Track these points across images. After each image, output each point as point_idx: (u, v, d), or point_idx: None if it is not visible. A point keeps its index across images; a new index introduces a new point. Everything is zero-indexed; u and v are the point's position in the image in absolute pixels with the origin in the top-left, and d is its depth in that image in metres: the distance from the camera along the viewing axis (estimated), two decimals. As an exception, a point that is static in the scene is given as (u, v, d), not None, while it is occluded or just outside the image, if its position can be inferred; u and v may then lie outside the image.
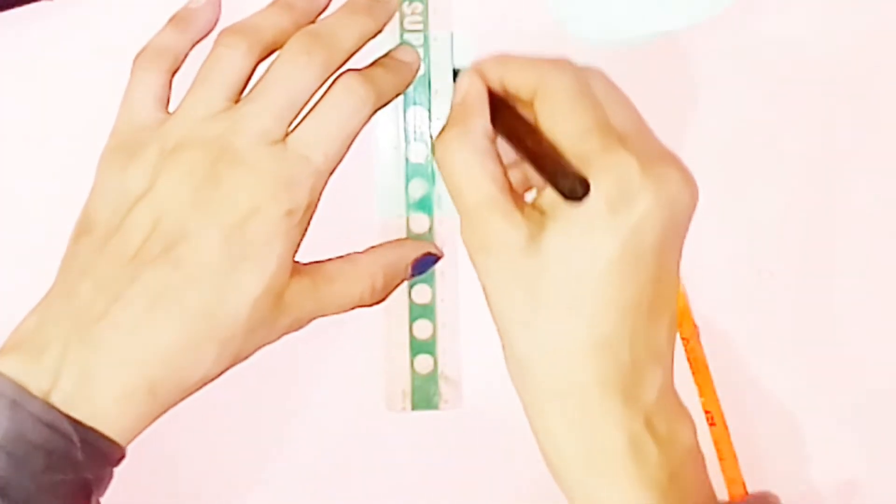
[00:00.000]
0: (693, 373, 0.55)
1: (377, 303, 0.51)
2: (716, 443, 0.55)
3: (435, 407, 0.56)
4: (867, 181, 0.55)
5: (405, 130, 0.54)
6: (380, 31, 0.50)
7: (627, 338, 0.44)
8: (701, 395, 0.55)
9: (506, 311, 0.46)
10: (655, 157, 0.45)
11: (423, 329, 0.55)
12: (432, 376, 0.55)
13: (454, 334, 0.55)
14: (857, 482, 0.56)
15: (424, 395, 0.56)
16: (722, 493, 0.55)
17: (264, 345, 0.47)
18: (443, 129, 0.48)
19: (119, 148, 0.48)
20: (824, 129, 0.55)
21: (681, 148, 0.55)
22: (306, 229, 0.47)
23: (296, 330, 0.48)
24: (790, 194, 0.55)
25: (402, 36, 0.53)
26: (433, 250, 0.53)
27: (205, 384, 0.46)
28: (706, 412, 0.55)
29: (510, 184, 0.47)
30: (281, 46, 0.48)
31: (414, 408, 0.55)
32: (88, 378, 0.43)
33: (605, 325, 0.44)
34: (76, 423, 0.43)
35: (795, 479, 0.56)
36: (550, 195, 0.45)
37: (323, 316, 0.49)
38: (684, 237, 0.47)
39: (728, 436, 0.55)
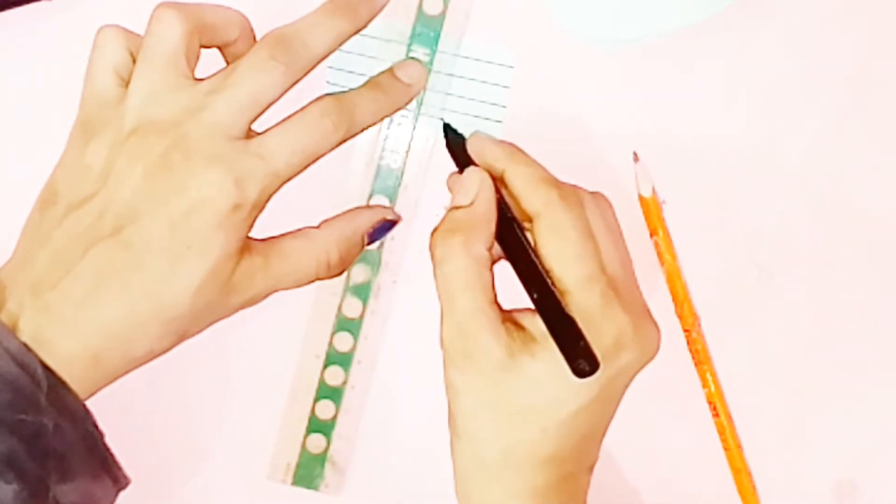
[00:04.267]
0: (696, 364, 0.55)
1: (336, 275, 0.51)
2: (720, 433, 0.55)
3: (315, 488, 0.56)
4: (867, 181, 0.55)
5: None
6: (360, 30, 0.49)
7: (576, 455, 0.48)
8: (704, 385, 0.55)
9: (475, 413, 0.48)
10: (641, 314, 0.48)
11: (325, 409, 0.55)
12: (321, 457, 0.56)
13: (355, 422, 0.55)
14: (858, 482, 0.56)
15: (307, 473, 0.56)
16: (728, 483, 0.55)
17: (218, 320, 0.48)
18: (446, 228, 0.49)
19: (83, 123, 0.48)
20: (824, 129, 0.55)
21: (681, 147, 0.55)
22: (253, 224, 0.47)
23: (252, 305, 0.49)
24: (790, 194, 0.55)
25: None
26: (389, 216, 0.53)
27: (153, 357, 0.47)
28: (710, 403, 0.55)
29: (496, 294, 0.48)
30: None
31: (294, 483, 0.56)
32: (38, 340, 0.45)
33: (563, 446, 0.47)
34: (48, 370, 0.44)
35: (796, 479, 0.56)
36: (541, 326, 0.47)
37: (279, 290, 0.49)
38: None
39: (732, 426, 0.55)
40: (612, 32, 0.54)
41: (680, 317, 0.55)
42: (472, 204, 0.49)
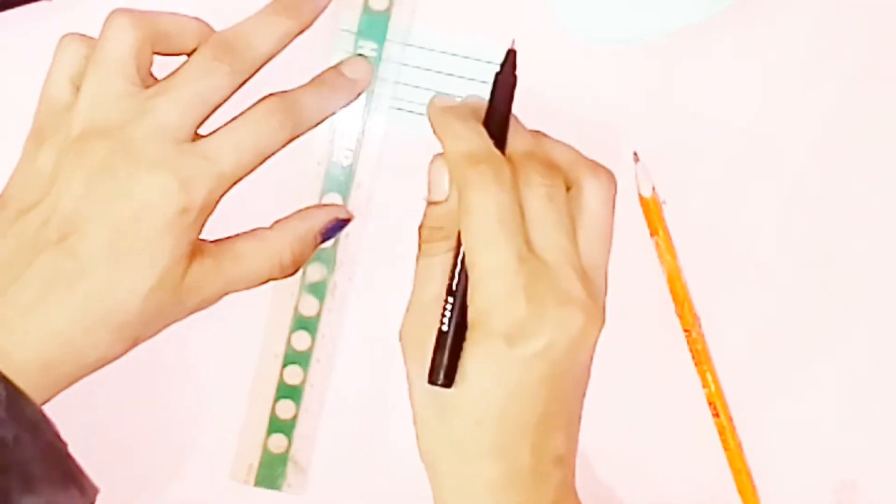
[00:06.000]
0: (696, 364, 0.55)
1: (289, 275, 0.51)
2: (720, 433, 0.55)
3: (277, 488, 0.56)
4: (868, 182, 0.55)
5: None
6: (306, 28, 0.49)
7: (528, 446, 0.47)
8: (704, 385, 0.55)
9: (423, 406, 0.48)
10: (555, 298, 0.46)
11: (286, 409, 0.55)
12: (282, 457, 0.55)
13: (315, 421, 0.55)
14: (858, 482, 0.56)
15: (269, 474, 0.55)
16: (728, 484, 0.55)
17: (171, 323, 0.48)
18: (430, 225, 0.49)
19: (36, 129, 0.49)
20: (825, 129, 0.55)
21: (681, 147, 0.55)
22: (203, 226, 0.47)
23: (207, 307, 0.49)
24: (791, 194, 0.55)
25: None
26: (342, 215, 0.53)
27: (106, 362, 0.47)
28: (710, 403, 0.55)
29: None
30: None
31: (256, 484, 0.55)
32: None
33: (504, 437, 0.47)
34: (6, 380, 0.44)
35: (796, 479, 0.56)
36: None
37: (233, 292, 0.49)
38: (585, 364, 0.48)
39: (732, 426, 0.55)
40: (612, 32, 0.54)
41: (680, 317, 0.55)
42: (448, 199, 0.49)
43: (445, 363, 0.47)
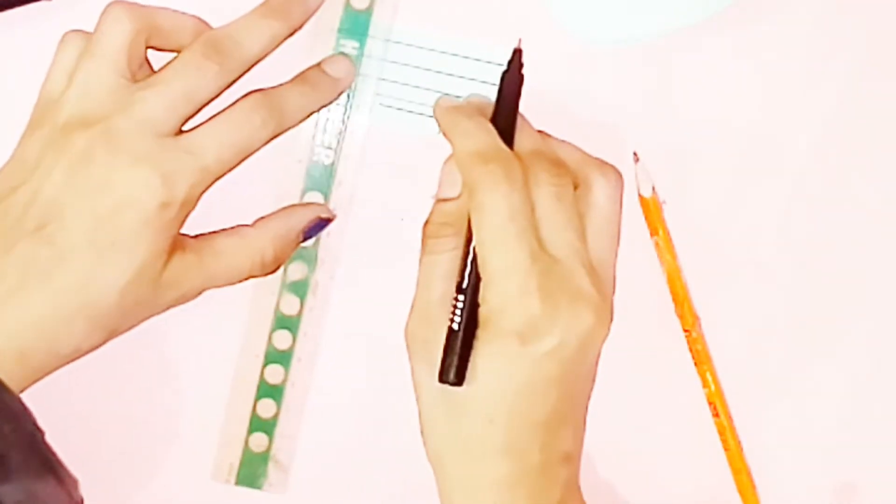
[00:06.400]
0: (696, 363, 0.55)
1: (270, 273, 0.51)
2: (720, 433, 0.55)
3: (259, 487, 0.56)
4: (868, 182, 0.55)
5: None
6: (296, 31, 0.50)
7: (537, 444, 0.47)
8: (704, 385, 0.55)
9: (430, 405, 0.48)
10: (567, 297, 0.46)
11: (267, 408, 0.55)
12: (264, 456, 0.55)
13: (297, 420, 0.55)
14: (858, 483, 0.56)
15: (251, 473, 0.55)
16: (728, 484, 0.55)
17: (150, 316, 0.48)
18: (438, 221, 0.49)
19: (31, 121, 0.49)
20: (825, 129, 0.55)
21: (681, 147, 0.55)
22: (184, 221, 0.47)
23: (185, 302, 0.49)
24: (791, 194, 0.55)
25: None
26: (324, 214, 0.53)
27: (81, 355, 0.47)
28: (710, 403, 0.55)
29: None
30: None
31: (237, 483, 0.55)
32: None
33: (515, 435, 0.47)
34: None
35: (796, 479, 0.56)
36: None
37: (212, 288, 0.49)
38: (593, 362, 0.49)
39: (732, 426, 0.55)
40: (612, 32, 0.54)
41: (680, 317, 0.55)
42: (459, 196, 0.49)
43: (456, 362, 0.47)
